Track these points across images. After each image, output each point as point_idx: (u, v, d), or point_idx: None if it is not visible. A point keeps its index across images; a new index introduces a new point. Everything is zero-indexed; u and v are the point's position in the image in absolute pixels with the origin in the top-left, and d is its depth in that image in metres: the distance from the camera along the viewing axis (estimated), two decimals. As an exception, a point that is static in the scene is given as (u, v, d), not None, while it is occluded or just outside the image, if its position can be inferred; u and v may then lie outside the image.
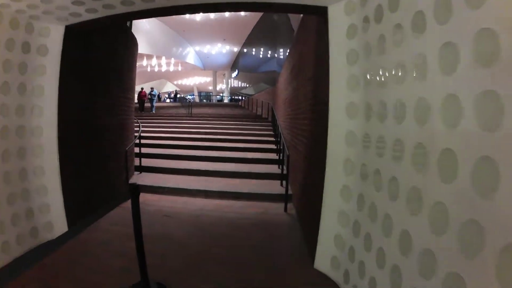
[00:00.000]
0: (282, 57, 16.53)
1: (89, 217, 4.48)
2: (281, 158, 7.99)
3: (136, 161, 7.55)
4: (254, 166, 7.74)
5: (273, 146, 9.75)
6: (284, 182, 6.15)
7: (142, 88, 17.70)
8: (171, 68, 27.49)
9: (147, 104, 17.67)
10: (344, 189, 2.86)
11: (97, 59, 4.78)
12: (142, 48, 23.08)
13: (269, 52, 26.67)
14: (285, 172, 6.17)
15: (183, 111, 17.87)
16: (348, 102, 2.79)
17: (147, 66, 26.35)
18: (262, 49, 26.97)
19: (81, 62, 4.25)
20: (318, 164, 3.28)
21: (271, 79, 27.33)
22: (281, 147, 7.57)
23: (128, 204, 3.46)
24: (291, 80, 6.93)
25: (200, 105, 22.73)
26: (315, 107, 3.77)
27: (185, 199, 5.80)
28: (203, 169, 7.35)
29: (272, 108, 13.00)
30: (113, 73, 5.57)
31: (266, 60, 27.18)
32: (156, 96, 18.43)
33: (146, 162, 7.90)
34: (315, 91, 3.84)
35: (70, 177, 3.96)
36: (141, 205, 2.65)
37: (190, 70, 34.94)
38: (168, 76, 39.42)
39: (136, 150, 7.65)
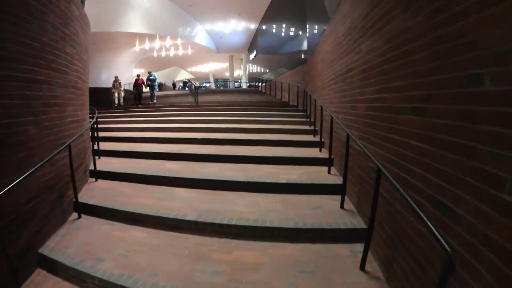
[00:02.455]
0: (316, 31, 12.99)
1: None
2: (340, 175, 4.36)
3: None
4: (297, 201, 4.18)
5: (317, 153, 6.17)
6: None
7: (138, 75, 14.24)
8: (180, 52, 24.00)
9: (146, 94, 14.33)
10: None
11: None
12: (140, 27, 19.86)
13: (292, 29, 22.60)
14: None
15: (190, 99, 14.40)
16: None
17: (152, 50, 22.99)
18: (284, 25, 22.91)
19: None
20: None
21: (295, 62, 23.18)
22: (345, 158, 3.91)
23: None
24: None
25: (211, 91, 19.10)
26: None
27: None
28: (205, 208, 3.87)
29: (305, 92, 9.33)
30: None
31: (289, 39, 23.02)
32: (157, 82, 14.59)
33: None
34: None
35: None
36: None
37: (204, 55, 31.40)
38: (181, 62, 36.14)
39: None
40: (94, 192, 4.57)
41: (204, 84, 47.41)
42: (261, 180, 4.59)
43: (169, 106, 12.85)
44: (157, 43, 20.77)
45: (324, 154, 6.01)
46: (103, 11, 14.96)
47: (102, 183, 5.03)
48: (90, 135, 6.13)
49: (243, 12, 22.04)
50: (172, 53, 23.98)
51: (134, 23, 17.21)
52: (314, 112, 7.87)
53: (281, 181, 4.57)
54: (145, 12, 17.99)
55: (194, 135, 7.62)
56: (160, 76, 41.48)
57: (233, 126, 8.42)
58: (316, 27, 12.49)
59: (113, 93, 13.93)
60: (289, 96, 12.41)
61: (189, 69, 42.84)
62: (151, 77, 13.99)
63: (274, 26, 23.85)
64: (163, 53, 24.20)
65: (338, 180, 4.56)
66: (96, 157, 5.81)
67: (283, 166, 5.53)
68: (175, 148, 6.61)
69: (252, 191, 4.39)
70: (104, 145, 6.73)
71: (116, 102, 14.07)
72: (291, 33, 23.04)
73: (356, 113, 3.92)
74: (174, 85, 39.12)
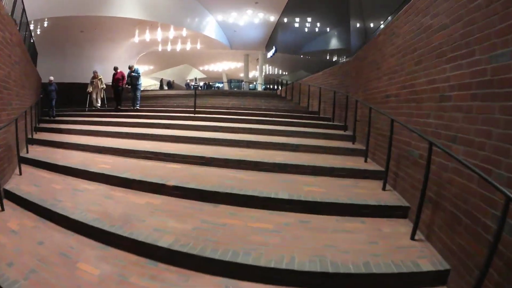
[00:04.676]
0: (359, 25, 9.90)
1: None
2: None
3: None
4: None
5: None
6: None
7: (116, 69, 10.78)
8: (188, 46, 20.95)
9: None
10: None
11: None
12: (136, 13, 16.17)
13: (323, 22, 18.98)
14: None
15: (191, 103, 10.89)
16: None
17: (155, 43, 19.96)
18: (312, 18, 19.38)
19: None
20: None
21: (326, 62, 19.57)
22: None
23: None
24: None
25: (221, 93, 15.77)
26: None
27: None
28: None
29: (347, 101, 6.13)
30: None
31: (319, 34, 19.36)
32: (140, 79, 10.59)
33: None
34: None
35: None
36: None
37: (216, 53, 28.29)
38: (191, 60, 33.22)
39: None
40: None
41: (216, 85, 44.40)
42: None
43: (156, 112, 9.73)
44: (159, 34, 17.65)
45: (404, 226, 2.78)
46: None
47: None
48: None
49: (261, 0, 18.76)
50: (179, 47, 20.93)
51: (129, 8, 14.23)
52: (366, 133, 4.63)
53: None
54: (145, -1, 14.99)
55: (166, 171, 4.44)
56: (169, 75, 38.68)
57: (239, 152, 5.24)
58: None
59: (90, 93, 10.86)
60: (319, 104, 9.08)
61: (200, 68, 39.92)
62: (132, 73, 10.38)
63: (299, 18, 20.47)
64: (169, 47, 21.16)
65: None
66: None
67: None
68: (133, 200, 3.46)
69: None
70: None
71: (95, 104, 11.04)
72: (322, 27, 19.47)
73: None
74: (187, 85, 36.10)
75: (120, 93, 10.63)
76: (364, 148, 5.15)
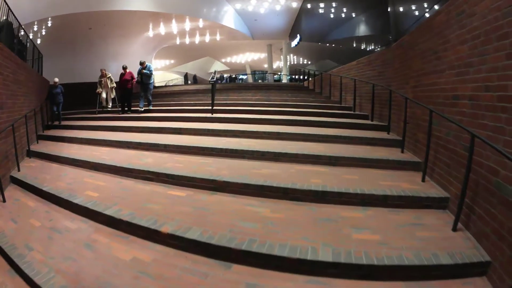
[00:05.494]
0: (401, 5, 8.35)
1: None
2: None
3: None
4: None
5: None
6: None
7: (124, 68, 9.48)
8: (207, 38, 19.86)
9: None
10: None
11: None
12: (146, 5, 13.15)
13: (348, 7, 17.31)
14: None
15: (208, 99, 9.57)
16: None
17: (171, 37, 19.01)
18: (337, 2, 17.72)
19: None
20: None
21: (347, 54, 17.86)
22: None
23: None
24: None
25: (244, 87, 14.48)
26: None
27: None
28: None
29: (390, 96, 4.87)
30: None
31: (350, 19, 17.57)
32: (152, 78, 9.31)
33: None
34: None
35: None
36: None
37: (238, 44, 26.97)
38: (213, 52, 32.18)
39: None
40: None
41: (240, 77, 43.10)
42: None
43: (169, 112, 8.76)
44: (174, 27, 16.59)
45: None
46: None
47: None
48: None
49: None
50: (197, 39, 19.92)
51: (137, 0, 13.25)
52: (419, 139, 3.44)
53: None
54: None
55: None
56: (191, 68, 37.88)
57: (263, 169, 4.12)
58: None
59: (100, 93, 9.99)
60: (354, 98, 7.74)
61: (223, 60, 38.81)
62: (144, 70, 9.02)
63: (324, 3, 18.80)
64: (187, 40, 20.17)
65: None
66: None
67: None
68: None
69: None
70: None
71: (105, 104, 10.20)
72: (352, 11, 17.69)
73: None
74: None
75: (128, 95, 9.46)
76: (416, 159, 4.06)
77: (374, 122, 6.50)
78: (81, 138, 6.82)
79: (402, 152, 4.64)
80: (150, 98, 9.32)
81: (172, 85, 21.02)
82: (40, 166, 5.60)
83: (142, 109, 9.16)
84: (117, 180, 4.39)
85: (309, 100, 9.72)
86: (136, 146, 5.77)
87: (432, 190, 3.36)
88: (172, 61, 32.49)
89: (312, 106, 8.62)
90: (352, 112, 7.67)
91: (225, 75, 40.23)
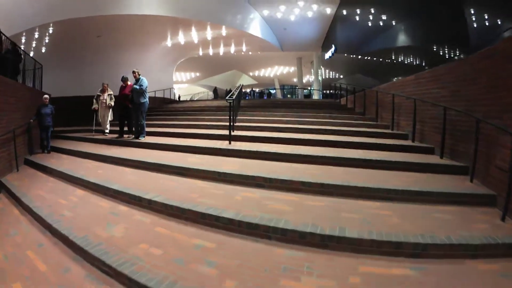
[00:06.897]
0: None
1: None
2: None
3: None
4: None
5: None
6: None
7: (124, 80, 7.76)
8: (232, 49, 18.36)
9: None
10: None
11: None
12: (163, 9, 11.07)
13: (402, 10, 14.98)
14: None
15: (226, 119, 6.78)
16: None
17: (193, 47, 17.61)
18: (385, 5, 15.48)
19: None
20: None
21: (392, 67, 15.76)
22: None
23: None
24: None
25: (271, 104, 12.51)
26: None
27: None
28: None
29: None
30: None
31: (395, 25, 15.38)
32: (146, 96, 7.14)
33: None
34: None
35: None
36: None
37: (266, 56, 25.35)
38: (240, 65, 30.83)
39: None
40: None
41: (267, 91, 41.24)
42: None
43: (175, 137, 7.07)
44: (194, 35, 15.10)
45: None
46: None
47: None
48: None
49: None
50: (221, 50, 18.48)
51: (149, 4, 11.82)
52: None
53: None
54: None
55: None
56: (217, 81, 36.64)
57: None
58: None
59: (96, 109, 8.32)
60: (414, 124, 5.69)
61: (251, 73, 37.44)
62: (134, 86, 7.04)
63: (362, 9, 16.79)
64: (210, 51, 18.76)
65: None
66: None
67: None
68: None
69: None
70: None
71: (103, 127, 8.44)
72: (386, 21, 15.49)
73: None
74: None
75: (128, 114, 7.68)
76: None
77: (446, 161, 4.51)
78: (62, 172, 5.24)
79: (504, 220, 2.64)
80: (143, 122, 7.22)
81: (189, 100, 19.53)
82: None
83: (129, 137, 7.43)
84: (63, 268, 2.62)
85: (352, 123, 7.71)
86: (114, 195, 4.03)
87: None
88: (198, 74, 31.44)
89: (357, 133, 6.68)
90: (411, 143, 5.62)
91: (256, 90, 38.33)
